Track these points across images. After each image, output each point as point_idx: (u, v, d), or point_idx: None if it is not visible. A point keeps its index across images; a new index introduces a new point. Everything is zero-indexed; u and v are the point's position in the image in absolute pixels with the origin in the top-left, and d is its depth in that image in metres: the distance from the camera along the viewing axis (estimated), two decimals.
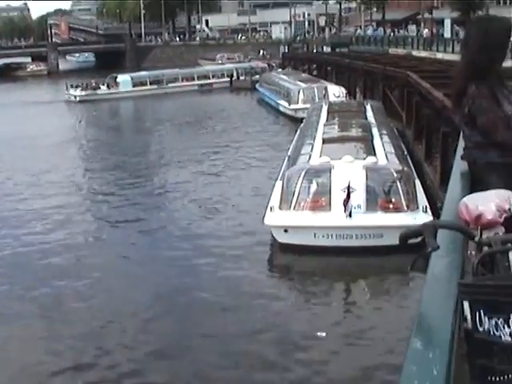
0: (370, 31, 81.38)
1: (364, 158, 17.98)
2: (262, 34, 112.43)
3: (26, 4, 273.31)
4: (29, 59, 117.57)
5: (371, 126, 23.24)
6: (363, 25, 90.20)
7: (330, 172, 17.07)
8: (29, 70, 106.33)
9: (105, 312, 13.69)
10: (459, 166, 4.16)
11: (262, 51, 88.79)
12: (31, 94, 69.56)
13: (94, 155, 33.26)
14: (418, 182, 18.07)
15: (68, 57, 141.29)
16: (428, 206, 16.60)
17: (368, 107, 27.93)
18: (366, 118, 25.26)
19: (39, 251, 17.39)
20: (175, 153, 31.29)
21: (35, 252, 17.29)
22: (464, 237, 2.72)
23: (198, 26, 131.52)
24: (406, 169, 18.24)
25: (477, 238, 2.62)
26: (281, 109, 43.69)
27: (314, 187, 17.18)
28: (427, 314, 2.25)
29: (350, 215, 15.77)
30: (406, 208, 16.40)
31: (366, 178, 16.77)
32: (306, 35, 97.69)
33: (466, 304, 2.14)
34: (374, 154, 18.62)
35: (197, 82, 65.66)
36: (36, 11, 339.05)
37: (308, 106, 35.50)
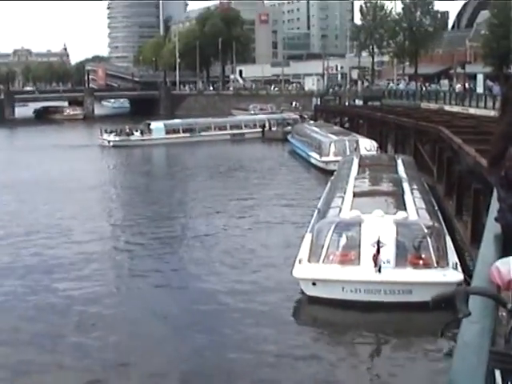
0: (402, 85, 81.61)
1: (394, 213, 17.86)
2: (294, 85, 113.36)
3: (65, 50, 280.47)
4: (66, 103, 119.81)
5: (402, 180, 23.15)
6: (395, 78, 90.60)
7: (360, 226, 16.95)
8: (65, 113, 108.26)
9: (125, 372, 13.42)
10: (492, 227, 4.08)
11: (294, 103, 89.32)
12: (66, 138, 71.16)
13: (124, 201, 33.61)
14: (448, 238, 17.89)
15: (104, 102, 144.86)
16: (458, 262, 16.43)
17: (399, 161, 27.86)
18: (397, 173, 25.20)
19: (63, 299, 17.24)
20: (205, 202, 31.29)
21: (59, 300, 17.14)
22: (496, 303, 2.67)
23: (231, 76, 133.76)
24: (436, 224, 18.05)
25: (509, 306, 2.56)
26: (312, 161, 43.79)
27: (343, 241, 17.10)
28: (457, 381, 2.20)
29: (380, 270, 15.66)
30: (436, 264, 16.23)
31: (396, 233, 16.65)
32: (339, 88, 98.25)
33: (497, 373, 2.11)
34: (405, 209, 18.46)
35: (229, 131, 66.26)
36: (75, 57, 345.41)
37: (339, 158, 35.66)
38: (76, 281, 18.86)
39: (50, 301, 17.26)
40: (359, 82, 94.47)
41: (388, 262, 16.00)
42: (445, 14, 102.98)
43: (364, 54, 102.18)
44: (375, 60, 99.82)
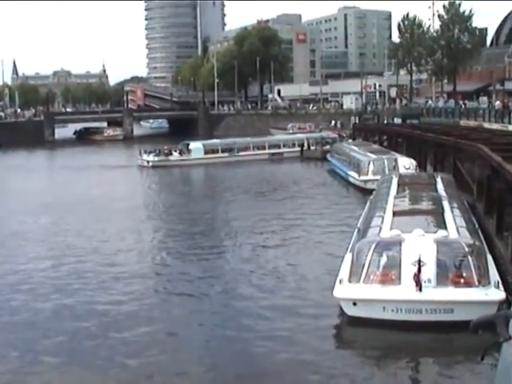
0: (440, 103, 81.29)
1: (435, 232, 17.74)
2: (333, 104, 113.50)
3: (104, 71, 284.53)
4: (105, 124, 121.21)
5: (442, 198, 22.95)
6: (434, 96, 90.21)
7: (401, 245, 16.94)
8: (105, 134, 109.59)
9: None
10: None
11: (334, 121, 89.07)
12: (106, 158, 72.21)
13: (162, 221, 33.49)
14: (489, 257, 17.78)
15: (142, 122, 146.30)
16: (500, 281, 16.31)
17: (438, 180, 27.69)
18: (437, 191, 25.01)
19: (100, 322, 17.17)
20: (243, 221, 31.28)
21: (96, 324, 17.05)
22: None
23: (269, 95, 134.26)
24: (477, 243, 17.89)
25: None
26: (351, 180, 43.83)
27: (384, 260, 17.10)
28: None
29: (421, 289, 15.60)
30: (477, 283, 16.09)
31: (437, 252, 16.55)
32: (377, 106, 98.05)
33: None
34: (445, 228, 18.34)
35: (268, 150, 66.45)
36: (113, 78, 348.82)
37: (378, 177, 35.70)
38: (111, 303, 18.90)
39: (83, 319, 17.40)
40: (397, 100, 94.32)
41: (429, 280, 15.92)
42: (483, 31, 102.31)
43: (402, 72, 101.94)
44: (413, 78, 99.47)
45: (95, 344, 15.62)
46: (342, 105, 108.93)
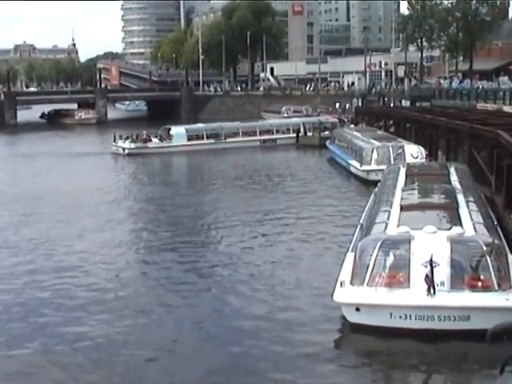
0: (455, 83, 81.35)
1: (448, 229, 17.67)
2: (333, 84, 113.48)
3: (74, 45, 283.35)
4: (75, 106, 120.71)
5: (456, 191, 22.87)
6: (447, 76, 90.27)
7: (410, 243, 16.88)
8: (77, 117, 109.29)
9: None
10: None
11: (339, 104, 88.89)
12: (76, 145, 72.25)
13: (139, 218, 33.18)
14: (510, 257, 17.66)
15: (117, 104, 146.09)
16: None
17: (452, 170, 27.55)
18: (450, 183, 24.86)
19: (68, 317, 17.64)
20: (231, 217, 31.18)
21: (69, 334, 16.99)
22: None
23: (261, 75, 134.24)
24: (496, 241, 17.79)
25: None
26: (352, 170, 44.03)
27: (390, 260, 17.01)
28: None
29: (433, 293, 15.58)
30: (496, 287, 16.07)
31: (451, 251, 16.52)
32: (383, 87, 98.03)
33: None
34: (460, 224, 18.28)
35: (259, 137, 66.63)
36: (84, 53, 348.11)
37: (382, 167, 35.84)
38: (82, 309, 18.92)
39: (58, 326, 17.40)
40: (406, 80, 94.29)
41: (442, 284, 15.91)
42: (505, 2, 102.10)
43: (411, 48, 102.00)
44: (424, 55, 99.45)
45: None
46: (342, 86, 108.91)
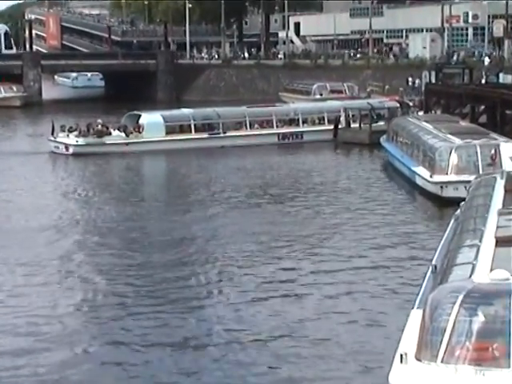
0: None
1: None
2: (393, 49, 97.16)
3: None
4: None
5: None
6: None
7: (510, 297, 13.01)
8: None
9: None
10: None
11: (411, 79, 75.56)
12: None
13: (95, 252, 27.68)
14: None
15: (59, 78, 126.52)
16: None
17: None
18: None
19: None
20: (236, 251, 27.06)
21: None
22: None
23: (281, 34, 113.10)
24: None
25: None
26: (417, 181, 37.46)
27: (479, 322, 13.10)
28: None
29: None
30: None
31: None
32: (470, 53, 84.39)
33: None
34: None
35: (276, 130, 54.96)
36: None
37: (466, 177, 31.42)
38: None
39: None
40: (506, 43, 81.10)
41: None
42: None
43: None
44: None
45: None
46: (407, 52, 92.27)
